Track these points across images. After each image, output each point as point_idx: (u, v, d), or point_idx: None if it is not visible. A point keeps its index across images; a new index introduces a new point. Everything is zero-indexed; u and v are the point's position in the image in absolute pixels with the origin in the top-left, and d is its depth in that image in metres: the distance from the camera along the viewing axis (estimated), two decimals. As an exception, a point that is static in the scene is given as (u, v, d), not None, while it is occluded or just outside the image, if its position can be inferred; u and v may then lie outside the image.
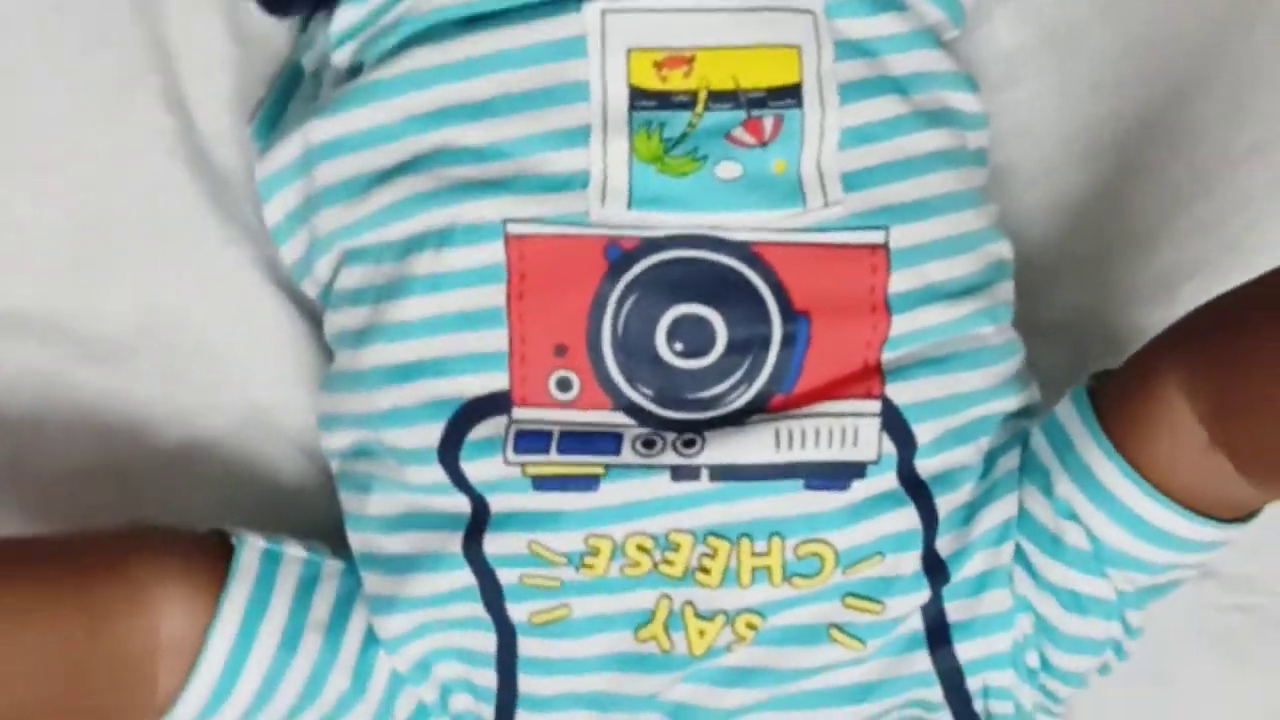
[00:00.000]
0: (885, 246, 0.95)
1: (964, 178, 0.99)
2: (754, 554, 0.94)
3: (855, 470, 0.94)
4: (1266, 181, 1.07)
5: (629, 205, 0.93)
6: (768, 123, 0.94)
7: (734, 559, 0.94)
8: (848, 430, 0.94)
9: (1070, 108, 1.09)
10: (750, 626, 0.95)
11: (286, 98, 1.04)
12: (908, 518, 0.95)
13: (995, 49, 1.09)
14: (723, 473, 0.93)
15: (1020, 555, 0.96)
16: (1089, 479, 0.93)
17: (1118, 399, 0.93)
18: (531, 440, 0.94)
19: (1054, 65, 1.09)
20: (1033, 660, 0.97)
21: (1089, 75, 1.09)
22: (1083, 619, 0.95)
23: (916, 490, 0.95)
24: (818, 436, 0.94)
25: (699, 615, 0.95)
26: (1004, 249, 1.01)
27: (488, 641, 0.96)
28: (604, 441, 0.94)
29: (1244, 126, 1.08)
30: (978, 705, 0.97)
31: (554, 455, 0.94)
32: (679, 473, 0.93)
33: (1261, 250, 1.05)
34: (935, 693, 0.97)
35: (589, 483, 0.94)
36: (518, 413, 0.94)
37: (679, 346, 0.94)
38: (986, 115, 1.03)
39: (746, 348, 0.94)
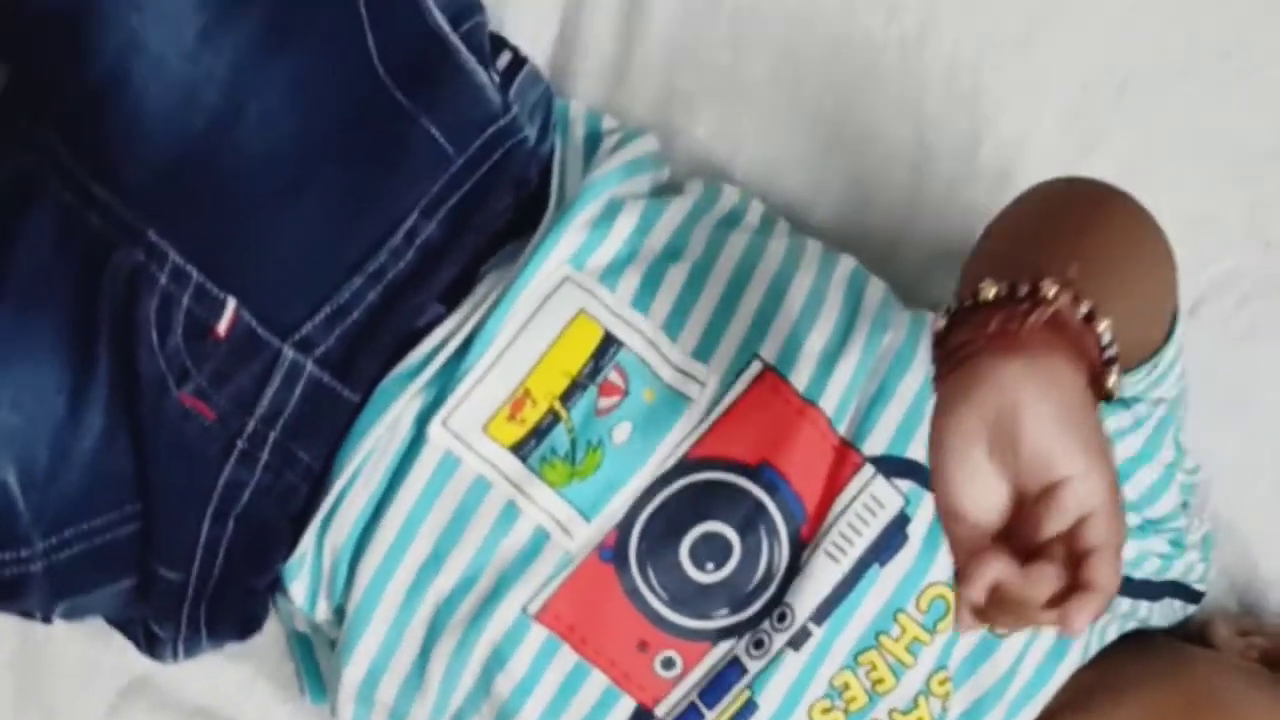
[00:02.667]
0: (767, 366, 1.05)
1: (770, 251, 1.09)
2: (895, 639, 1.04)
3: (900, 522, 1.04)
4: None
5: (588, 520, 1.04)
6: (614, 376, 1.05)
7: (888, 655, 1.04)
8: (868, 503, 1.04)
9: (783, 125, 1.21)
10: (943, 682, 1.06)
11: (310, 656, 1.16)
12: None
13: (699, 144, 1.21)
14: (820, 613, 1.04)
15: None
16: None
17: None
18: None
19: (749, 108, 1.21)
20: (1132, 519, 1.07)
21: (762, 106, 1.21)
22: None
23: None
24: (854, 529, 1.04)
25: (905, 712, 1.05)
26: (846, 262, 1.11)
27: None
28: (730, 673, 1.05)
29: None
30: (1136, 574, 1.08)
31: (710, 715, 1.04)
32: (795, 641, 1.04)
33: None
34: None
35: (748, 709, 1.04)
36: (659, 710, 1.05)
37: (710, 565, 1.04)
38: (745, 191, 1.15)
39: (752, 522, 1.04)
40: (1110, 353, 0.85)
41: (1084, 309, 0.84)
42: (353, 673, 1.08)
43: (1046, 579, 0.79)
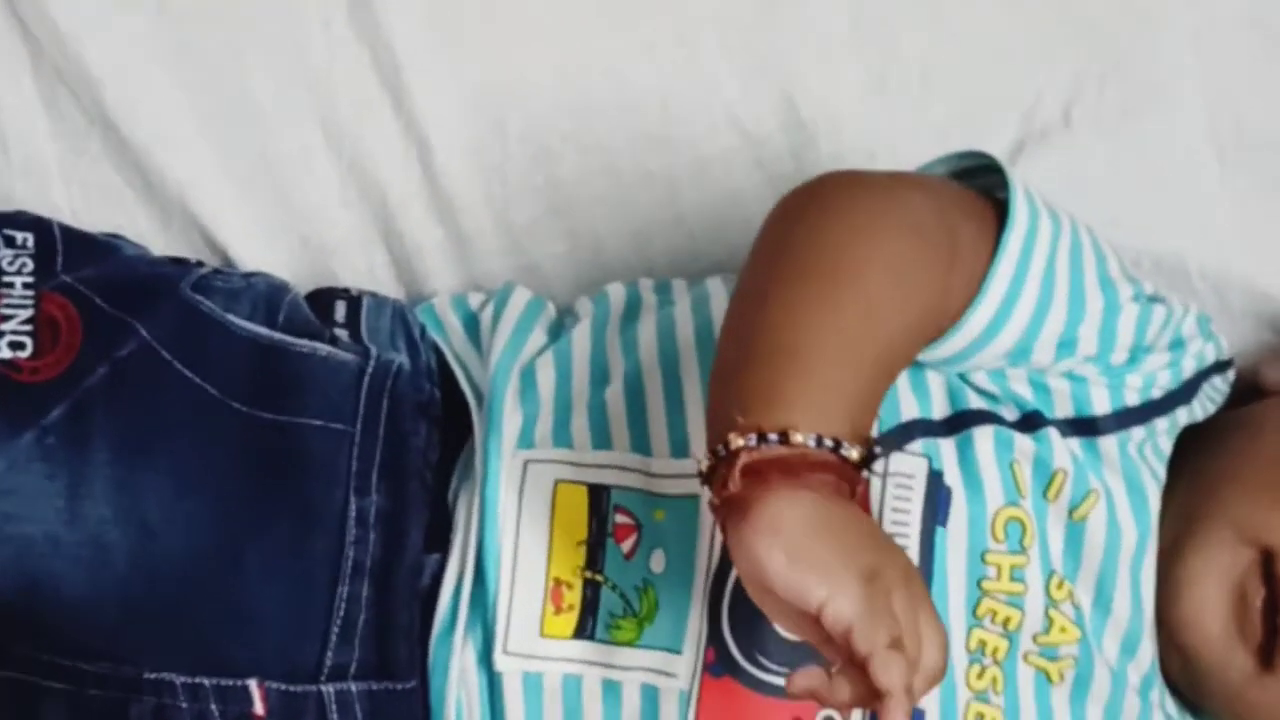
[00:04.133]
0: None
1: (679, 317, 1.11)
2: (995, 579, 1.05)
3: (936, 479, 1.05)
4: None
5: (680, 653, 1.04)
6: (621, 519, 1.06)
7: (999, 595, 1.05)
8: (899, 482, 1.05)
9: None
10: (1060, 585, 1.06)
11: None
12: (986, 433, 1.06)
13: (565, 261, 1.23)
14: None
15: None
16: None
17: None
18: None
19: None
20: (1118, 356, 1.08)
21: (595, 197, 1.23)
22: None
23: (957, 422, 1.07)
24: (901, 510, 1.05)
25: (1045, 632, 1.06)
26: None
27: None
28: None
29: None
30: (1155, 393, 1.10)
31: None
32: None
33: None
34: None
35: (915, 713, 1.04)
36: None
37: None
38: (628, 281, 1.17)
39: None
40: (828, 441, 0.90)
41: (773, 438, 0.89)
42: None
43: (840, 688, 0.87)
